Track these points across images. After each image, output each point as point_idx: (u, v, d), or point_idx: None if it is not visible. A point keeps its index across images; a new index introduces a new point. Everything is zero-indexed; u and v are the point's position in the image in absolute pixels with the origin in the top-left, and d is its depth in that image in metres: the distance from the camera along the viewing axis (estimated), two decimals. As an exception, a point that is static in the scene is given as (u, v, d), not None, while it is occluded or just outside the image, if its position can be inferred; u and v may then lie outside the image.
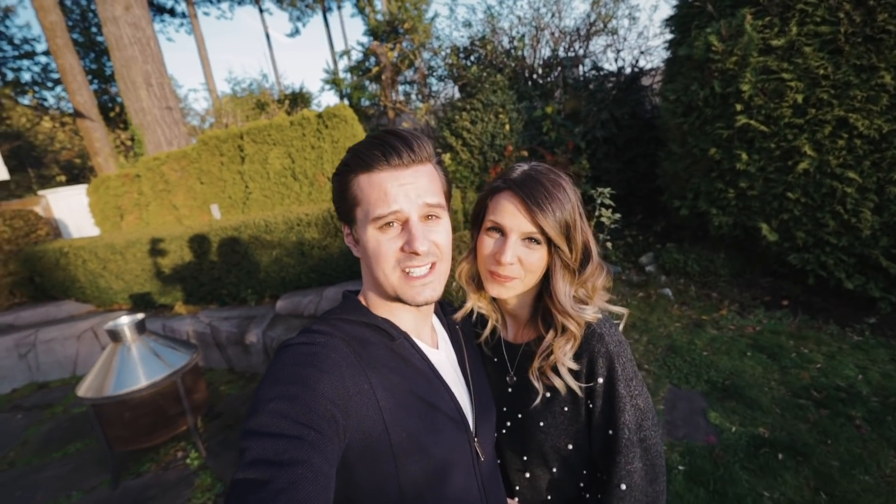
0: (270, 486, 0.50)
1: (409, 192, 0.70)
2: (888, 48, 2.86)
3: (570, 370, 0.85)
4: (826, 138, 3.13)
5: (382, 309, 0.80)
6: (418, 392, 0.74)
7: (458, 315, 1.01)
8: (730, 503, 1.97)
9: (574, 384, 0.84)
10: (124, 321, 2.88)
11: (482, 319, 1.03)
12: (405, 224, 0.71)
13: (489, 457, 0.86)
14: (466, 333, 0.99)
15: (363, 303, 0.82)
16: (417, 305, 0.75)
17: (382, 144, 0.70)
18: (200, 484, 2.67)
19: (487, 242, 0.88)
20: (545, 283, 0.89)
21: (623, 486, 0.82)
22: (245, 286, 4.57)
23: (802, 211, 3.35)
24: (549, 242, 0.84)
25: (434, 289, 0.75)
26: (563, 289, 0.85)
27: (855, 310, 3.35)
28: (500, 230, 0.86)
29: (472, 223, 0.95)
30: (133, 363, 2.77)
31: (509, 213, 0.84)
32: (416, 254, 0.70)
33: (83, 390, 2.67)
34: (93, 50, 15.45)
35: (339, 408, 0.63)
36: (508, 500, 0.96)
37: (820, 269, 3.39)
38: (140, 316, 2.96)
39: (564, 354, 0.84)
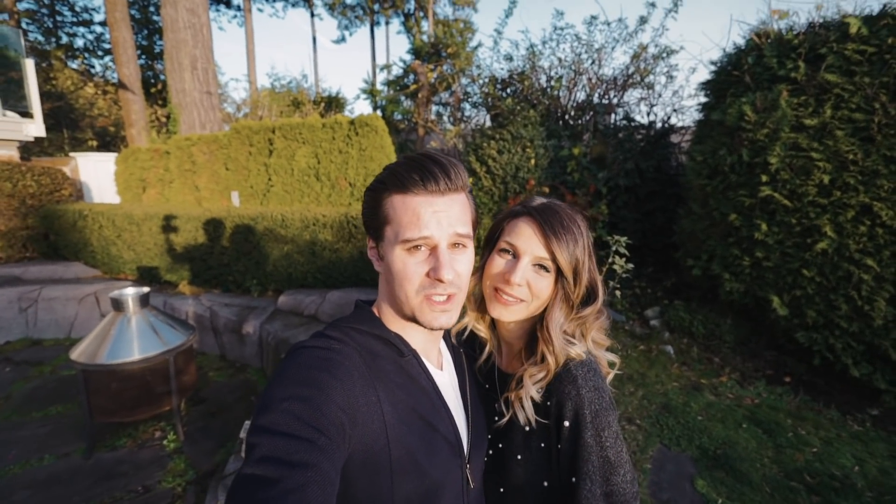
0: (280, 486, 0.50)
1: (442, 219, 0.71)
2: (920, 144, 2.89)
3: (535, 402, 0.84)
4: (848, 222, 3.13)
5: (395, 325, 0.80)
6: (421, 411, 0.74)
7: (454, 330, 1.02)
8: (707, 579, 1.89)
9: (532, 416, 0.84)
10: (129, 292, 2.91)
11: (482, 344, 1.03)
12: (433, 250, 0.72)
13: (478, 484, 0.86)
14: (468, 358, 0.99)
15: (377, 314, 0.82)
16: (432, 329, 0.76)
17: (421, 169, 0.71)
18: (173, 468, 2.65)
19: (499, 262, 0.90)
20: (542, 315, 0.89)
21: None
22: (251, 276, 4.61)
23: (816, 290, 3.32)
24: (558, 272, 0.85)
25: (451, 317, 0.76)
26: (557, 318, 0.86)
27: (858, 398, 3.27)
28: (513, 252, 0.88)
29: (484, 244, 0.97)
30: (130, 335, 2.79)
31: (525, 237, 0.86)
32: (441, 281, 0.71)
33: (76, 354, 2.68)
34: (147, 27, 16.07)
35: (348, 416, 0.63)
36: None
37: (827, 352, 3.34)
38: (145, 289, 2.99)
39: (533, 383, 0.84)
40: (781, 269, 3.47)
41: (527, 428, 0.87)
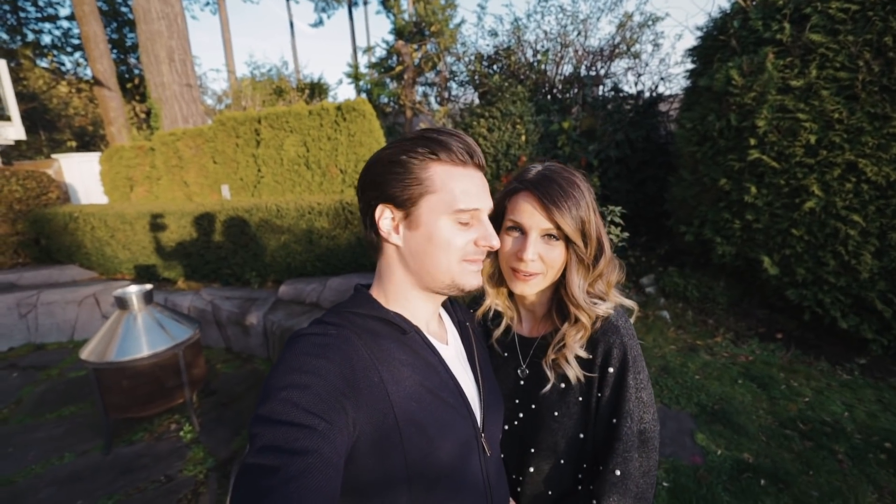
0: (281, 474, 0.51)
1: (482, 192, 0.77)
2: (902, 99, 2.94)
3: (581, 359, 0.90)
4: (834, 180, 3.21)
5: (396, 303, 0.80)
6: (428, 386, 0.74)
7: (479, 313, 1.05)
8: (711, 523, 2.02)
9: (581, 373, 0.89)
10: (133, 290, 2.92)
11: (495, 316, 1.05)
12: (478, 220, 0.77)
13: (495, 453, 0.87)
14: (476, 331, 1.00)
15: (375, 297, 0.82)
16: (465, 292, 0.79)
17: (465, 143, 0.74)
18: (193, 457, 2.72)
19: (508, 241, 0.92)
20: (561, 278, 0.93)
21: (618, 472, 0.85)
22: (250, 268, 4.62)
23: (805, 248, 3.42)
24: (566, 238, 0.88)
25: (478, 277, 0.80)
26: (577, 282, 0.90)
27: (846, 349, 3.41)
28: (519, 229, 0.91)
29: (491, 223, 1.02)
30: (137, 332, 2.81)
31: (527, 213, 0.89)
32: (491, 247, 0.78)
33: (86, 353, 2.71)
34: (115, 20, 15.50)
35: (351, 400, 0.63)
36: (511, 501, 0.97)
37: (816, 307, 3.46)
38: (148, 286, 3.01)
39: (575, 343, 0.89)
40: (771, 229, 3.56)
41: (562, 385, 0.93)
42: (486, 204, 0.77)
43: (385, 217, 0.76)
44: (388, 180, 0.74)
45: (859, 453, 2.39)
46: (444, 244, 0.74)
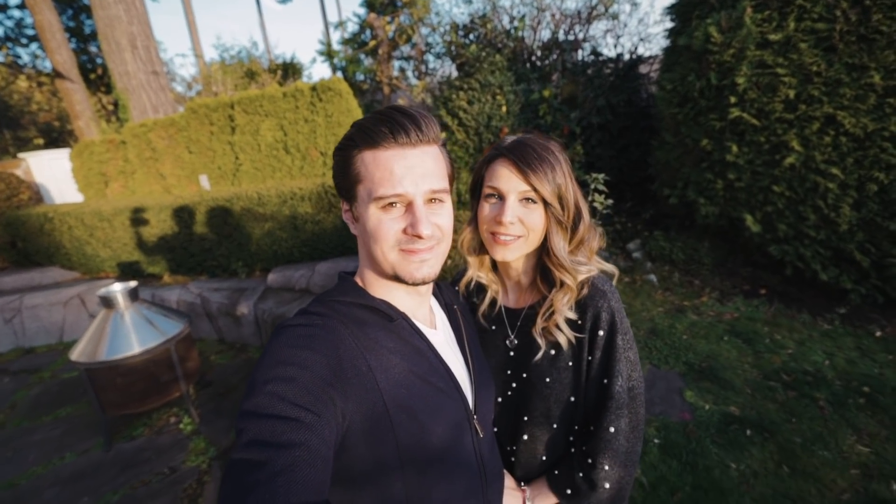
0: (268, 468, 0.51)
1: (416, 173, 0.69)
2: (880, 48, 2.94)
3: (571, 322, 0.91)
4: (813, 134, 3.22)
5: (380, 290, 0.79)
6: (418, 372, 0.74)
7: (462, 283, 1.06)
8: (700, 473, 2.11)
9: (573, 336, 0.91)
10: (117, 288, 2.88)
11: (478, 289, 1.07)
12: (409, 206, 0.70)
13: (488, 433, 0.88)
14: (464, 313, 1.00)
15: (360, 284, 0.81)
16: (415, 284, 0.75)
17: (390, 121, 0.68)
18: (194, 448, 2.74)
19: (486, 207, 0.93)
20: (544, 245, 0.94)
21: (611, 429, 0.89)
22: (236, 258, 4.57)
23: (786, 204, 3.47)
24: (544, 202, 0.89)
25: (431, 266, 0.74)
26: (559, 244, 0.91)
27: (827, 300, 3.52)
28: (497, 195, 0.91)
29: (470, 194, 1.00)
30: (126, 330, 2.78)
31: (504, 177, 0.89)
32: (420, 237, 0.70)
33: (76, 355, 2.68)
34: (70, 6, 14.67)
35: (338, 390, 0.63)
36: (505, 474, 0.99)
37: (798, 261, 3.54)
38: (133, 283, 2.96)
39: (563, 306, 0.90)
40: (753, 187, 3.60)
41: (552, 352, 0.95)
42: (420, 187, 0.70)
43: (344, 209, 0.79)
44: (335, 174, 0.77)
45: (839, 399, 2.49)
46: (374, 234, 0.72)
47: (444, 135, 5.06)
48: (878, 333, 3.08)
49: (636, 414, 0.91)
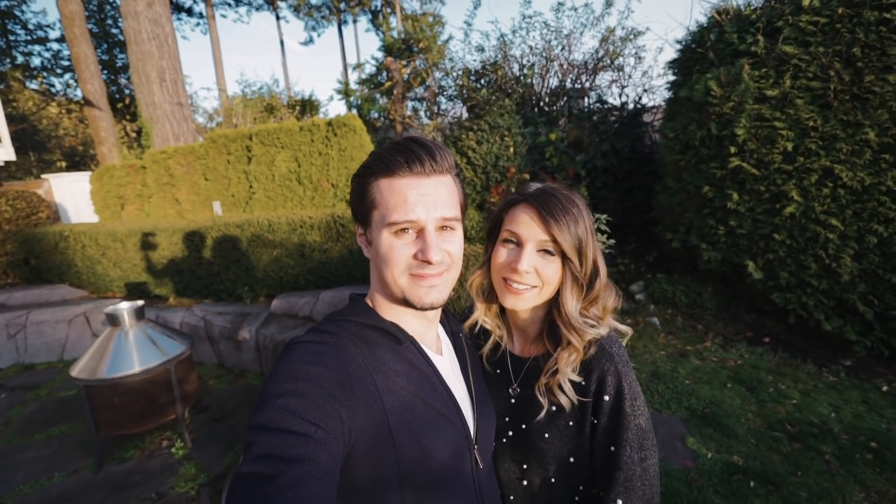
0: (277, 482, 0.51)
1: (428, 201, 0.71)
2: (873, 107, 3.06)
3: (575, 383, 0.87)
4: (812, 186, 3.31)
5: (389, 313, 0.80)
6: (423, 396, 0.75)
7: (466, 325, 1.03)
8: (702, 525, 2.04)
9: (574, 397, 0.86)
10: (124, 306, 2.92)
11: (484, 332, 1.04)
12: (420, 232, 0.73)
13: (487, 465, 0.87)
14: (469, 344, 1.00)
15: (370, 305, 0.82)
16: (423, 308, 0.76)
17: (406, 151, 0.71)
18: (185, 473, 2.69)
19: (503, 252, 0.91)
20: (555, 298, 0.91)
21: (619, 502, 0.83)
22: (242, 283, 4.62)
23: (787, 252, 3.51)
24: (563, 255, 0.86)
25: (440, 292, 0.76)
26: (571, 302, 0.88)
27: (832, 351, 3.48)
28: (516, 241, 0.89)
29: (486, 236, 0.98)
30: (129, 348, 2.81)
31: (525, 224, 0.87)
32: (430, 262, 0.72)
33: (77, 371, 2.70)
34: (105, 41, 15.62)
35: (346, 407, 0.63)
36: None
37: (801, 309, 3.53)
38: (140, 302, 3.01)
39: (567, 367, 0.86)
40: (754, 234, 3.65)
41: (553, 408, 0.90)
42: (432, 214, 0.72)
43: (359, 233, 0.82)
44: (352, 199, 0.80)
45: (846, 453, 2.42)
46: (385, 257, 0.74)
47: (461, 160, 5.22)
48: (885, 388, 3.03)
49: (650, 487, 0.84)
